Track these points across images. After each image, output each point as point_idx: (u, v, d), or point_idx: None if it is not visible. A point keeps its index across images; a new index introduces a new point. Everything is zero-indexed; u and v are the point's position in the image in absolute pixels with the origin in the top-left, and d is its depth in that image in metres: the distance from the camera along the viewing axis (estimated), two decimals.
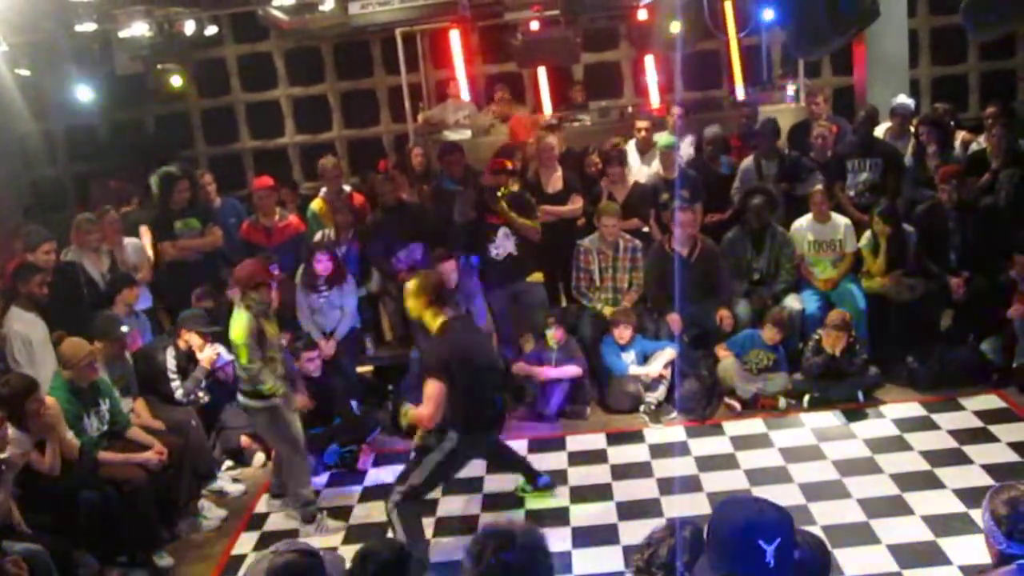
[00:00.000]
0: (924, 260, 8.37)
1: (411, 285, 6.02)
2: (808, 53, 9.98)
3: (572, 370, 8.10)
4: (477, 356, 5.99)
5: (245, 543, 6.65)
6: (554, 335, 8.11)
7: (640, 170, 9.69)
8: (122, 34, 9.45)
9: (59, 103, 10.17)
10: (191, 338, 7.45)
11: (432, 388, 5.73)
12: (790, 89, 11.33)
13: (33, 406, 5.92)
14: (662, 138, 9.44)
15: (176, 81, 11.11)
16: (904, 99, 9.94)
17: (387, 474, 7.43)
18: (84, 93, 9.75)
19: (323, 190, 9.55)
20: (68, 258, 8.03)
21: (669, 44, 10.12)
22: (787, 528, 2.52)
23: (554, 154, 9.28)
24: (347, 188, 9.81)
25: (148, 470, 6.45)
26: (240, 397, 6.69)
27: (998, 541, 3.25)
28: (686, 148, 9.71)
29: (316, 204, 9.43)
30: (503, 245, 8.48)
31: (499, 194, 8.37)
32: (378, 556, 3.90)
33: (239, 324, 6.44)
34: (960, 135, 9.80)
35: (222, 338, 7.17)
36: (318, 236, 8.82)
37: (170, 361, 7.37)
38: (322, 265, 8.25)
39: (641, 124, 10.05)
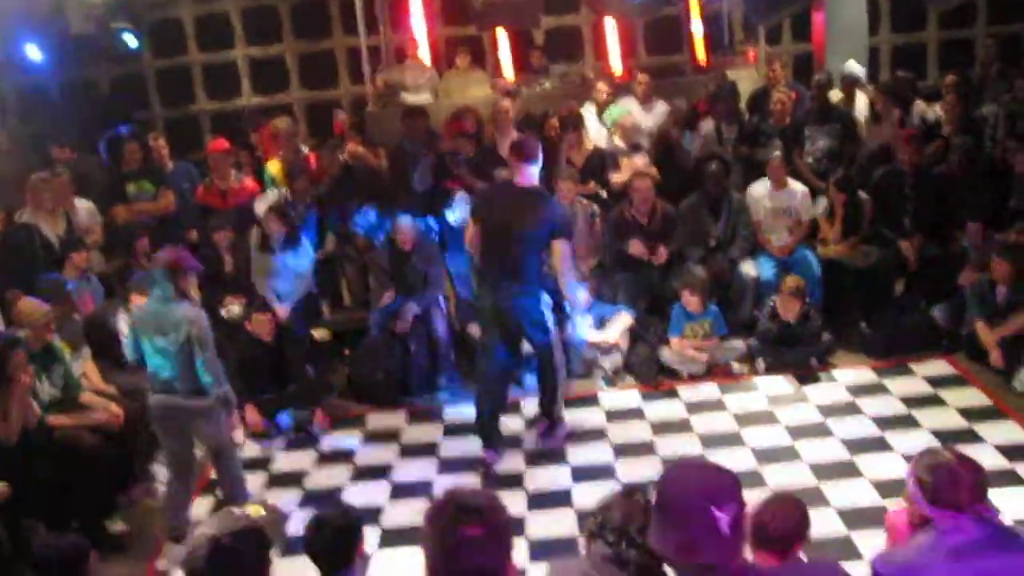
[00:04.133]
0: (878, 227, 8.45)
1: None
2: (766, 18, 10.04)
3: None
4: None
5: (200, 507, 6.61)
6: None
7: (600, 133, 9.67)
8: None
9: (9, 62, 9.97)
10: (141, 301, 7.37)
11: None
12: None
13: (15, 364, 5.79)
14: (613, 110, 9.41)
15: (131, 41, 10.92)
16: (853, 66, 9.97)
17: (342, 439, 7.45)
18: (35, 52, 9.57)
19: (280, 152, 9.47)
20: (24, 219, 7.92)
21: (629, 8, 10.09)
22: (739, 494, 2.52)
23: (509, 118, 9.25)
24: (305, 149, 9.73)
25: (103, 435, 6.39)
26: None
27: (921, 505, 3.30)
28: (655, 118, 9.71)
29: (273, 166, 9.36)
30: (461, 211, 8.45)
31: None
32: (333, 522, 3.91)
33: None
34: (918, 104, 9.87)
35: None
36: (272, 197, 8.76)
37: (122, 325, 7.29)
38: (276, 227, 8.19)
39: (602, 87, 10.03)
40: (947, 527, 3.16)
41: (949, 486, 3.20)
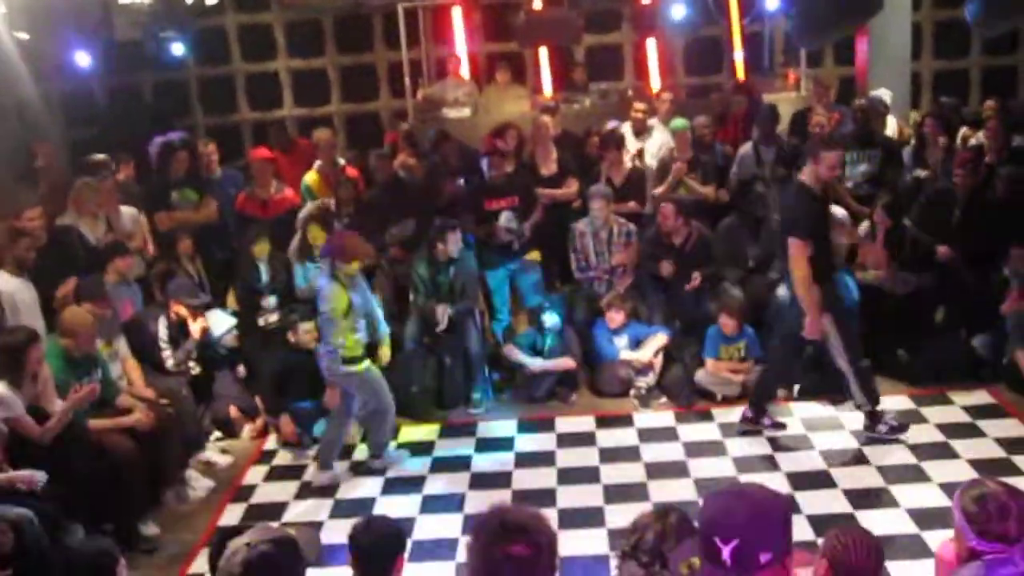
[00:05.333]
0: (920, 250, 8.36)
1: None
2: (810, 42, 9.99)
3: (564, 363, 8.12)
4: None
5: (232, 514, 6.65)
6: (549, 320, 8.11)
7: (634, 146, 9.68)
8: (122, 0, 9.38)
9: (57, 68, 10.08)
10: (180, 309, 7.44)
11: None
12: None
13: (34, 359, 5.88)
14: (676, 121, 9.41)
15: (176, 49, 11.02)
16: (881, 92, 9.92)
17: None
18: (82, 58, 9.67)
19: (318, 163, 9.52)
20: (65, 222, 8.00)
21: (672, 28, 10.08)
22: (756, 529, 2.43)
23: (549, 135, 9.26)
24: (341, 161, 9.78)
25: (138, 438, 6.44)
26: (342, 367, 6.74)
27: (968, 538, 3.25)
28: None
29: (310, 177, 9.41)
30: (512, 229, 8.46)
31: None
32: (383, 524, 3.96)
33: (334, 298, 6.59)
34: (961, 130, 9.80)
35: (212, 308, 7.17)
36: (314, 207, 8.79)
37: (162, 330, 7.36)
38: (317, 234, 8.20)
39: (638, 106, 10.03)
40: (995, 561, 3.11)
41: (997, 518, 3.15)
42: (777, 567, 2.41)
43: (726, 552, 2.37)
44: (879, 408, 7.06)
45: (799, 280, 6.75)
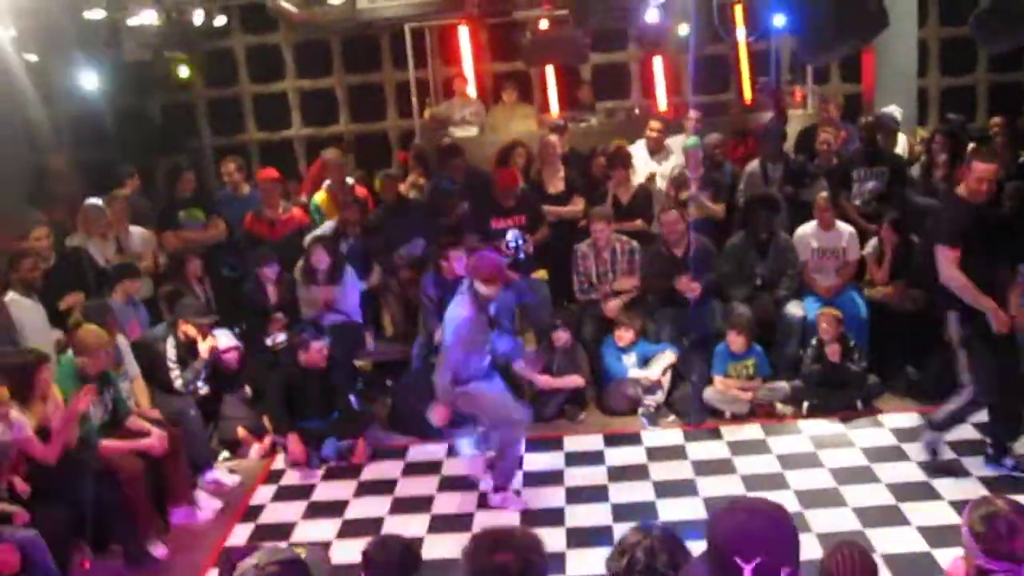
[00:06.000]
0: (928, 270, 8.33)
1: None
2: (816, 59, 10.00)
3: (573, 381, 8.10)
4: None
5: (240, 534, 6.64)
6: (559, 338, 8.11)
7: (647, 168, 9.69)
8: (131, 22, 9.44)
9: (66, 89, 10.15)
10: (188, 328, 7.46)
11: None
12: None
13: (43, 381, 5.89)
14: (689, 140, 9.42)
15: (183, 70, 11.09)
16: (892, 109, 9.93)
17: (384, 469, 7.45)
18: (91, 80, 9.73)
19: (327, 183, 9.55)
20: (74, 243, 8.03)
21: (678, 46, 10.12)
22: (775, 545, 2.44)
23: (557, 153, 9.27)
24: (350, 181, 9.80)
25: (145, 459, 6.44)
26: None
27: (976, 556, 3.23)
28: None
29: (319, 197, 9.44)
30: (519, 245, 8.46)
31: None
32: (399, 543, 3.96)
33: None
34: (969, 147, 9.78)
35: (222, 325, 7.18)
36: (326, 228, 8.82)
37: (170, 351, 7.37)
38: (319, 259, 8.25)
39: (654, 125, 10.03)
40: None
41: (1006, 537, 3.14)
42: None
43: (748, 571, 2.37)
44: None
45: (959, 288, 6.42)
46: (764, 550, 2.39)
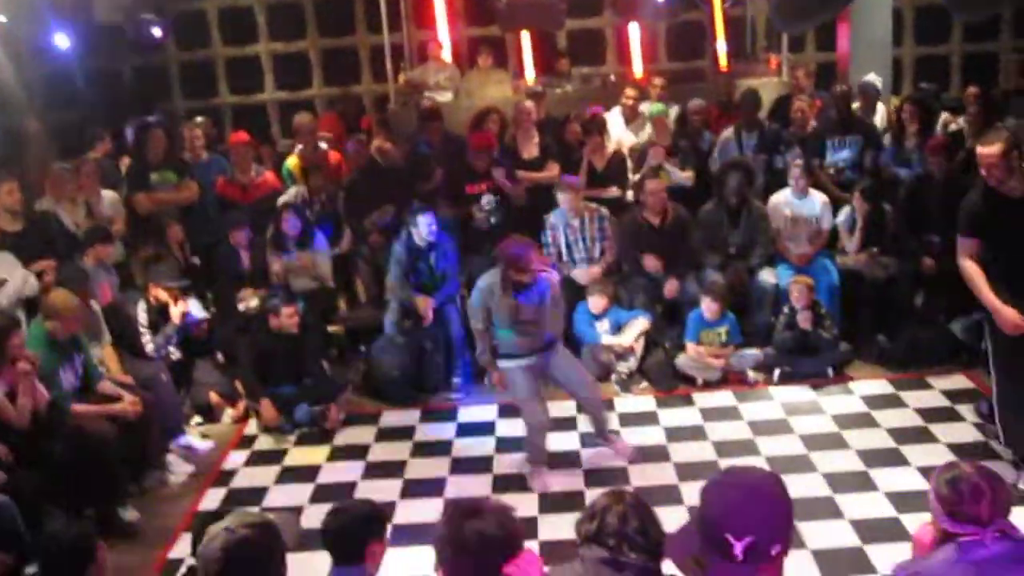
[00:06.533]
0: (901, 239, 8.40)
1: None
2: (791, 26, 10.01)
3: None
4: None
5: (212, 499, 6.63)
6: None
7: (625, 137, 9.67)
8: None
9: (37, 51, 10.01)
10: (159, 293, 7.41)
11: None
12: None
13: (15, 345, 5.85)
14: (654, 106, 9.41)
15: (156, 32, 10.95)
16: (872, 77, 9.94)
17: (356, 434, 7.46)
18: (62, 41, 9.60)
19: (299, 147, 9.48)
20: (43, 207, 7.94)
21: (653, 12, 10.09)
22: (768, 522, 2.42)
23: (532, 119, 9.25)
24: (323, 146, 9.74)
25: (117, 423, 6.42)
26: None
27: (941, 519, 3.28)
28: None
29: (291, 161, 9.38)
30: (492, 212, 8.44)
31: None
32: (351, 511, 4.00)
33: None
34: (942, 116, 9.83)
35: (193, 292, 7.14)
36: (291, 194, 8.77)
37: (141, 315, 7.33)
38: (290, 224, 8.21)
39: (630, 93, 10.01)
40: (968, 542, 3.13)
41: (970, 500, 3.17)
42: (783, 558, 2.42)
43: (739, 548, 2.35)
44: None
45: (967, 278, 5.96)
46: (756, 528, 2.37)
